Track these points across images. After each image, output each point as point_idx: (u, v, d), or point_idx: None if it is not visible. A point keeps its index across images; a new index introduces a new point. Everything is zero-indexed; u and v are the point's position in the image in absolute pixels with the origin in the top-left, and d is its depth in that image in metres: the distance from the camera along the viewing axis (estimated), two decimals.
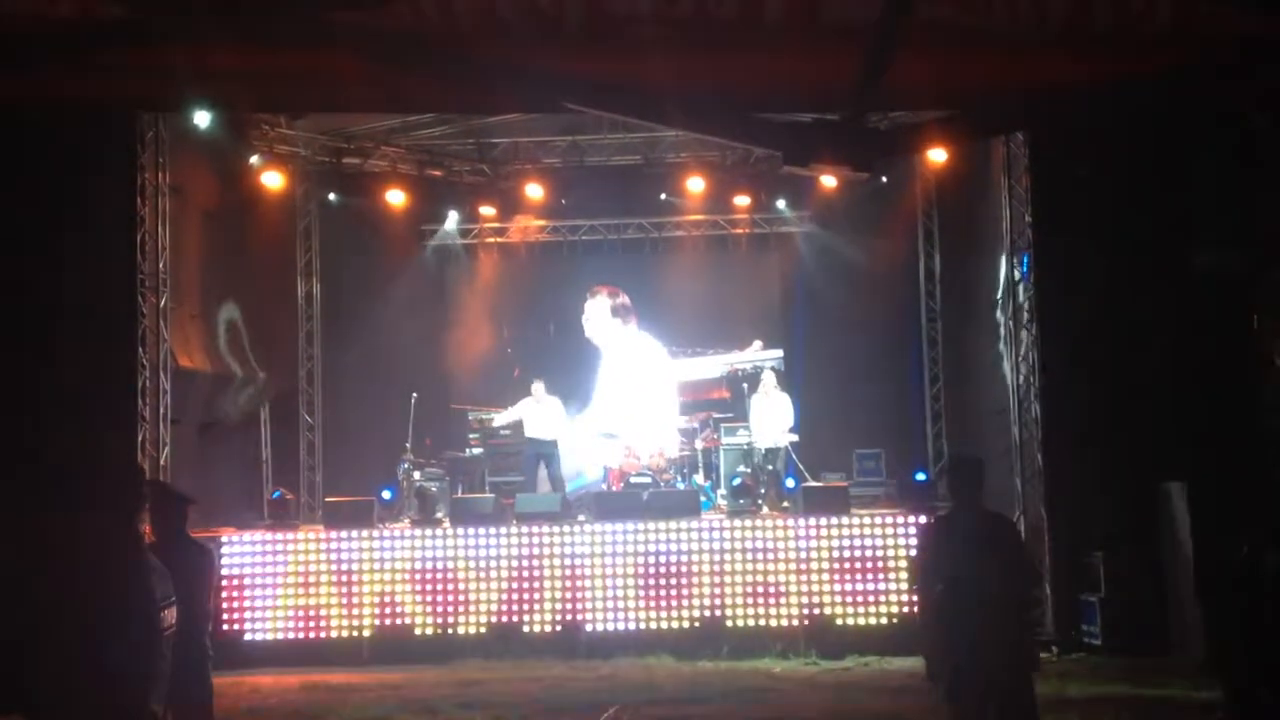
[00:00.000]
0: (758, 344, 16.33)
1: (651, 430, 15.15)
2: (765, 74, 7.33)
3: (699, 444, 14.83)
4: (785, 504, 13.22)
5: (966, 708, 6.06)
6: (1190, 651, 10.26)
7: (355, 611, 11.60)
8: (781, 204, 16.07)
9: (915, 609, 10.21)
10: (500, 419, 15.13)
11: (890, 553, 11.49)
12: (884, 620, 11.41)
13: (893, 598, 11.43)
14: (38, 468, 9.45)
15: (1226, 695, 4.28)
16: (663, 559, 11.59)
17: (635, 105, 7.52)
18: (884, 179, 14.63)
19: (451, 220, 16.61)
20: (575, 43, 7.18)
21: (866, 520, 11.67)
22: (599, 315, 15.74)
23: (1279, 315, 10.15)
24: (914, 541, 11.41)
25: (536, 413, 14.83)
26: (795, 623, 11.43)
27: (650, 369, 15.76)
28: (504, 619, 11.56)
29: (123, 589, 4.40)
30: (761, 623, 11.46)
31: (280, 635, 11.57)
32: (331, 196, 15.53)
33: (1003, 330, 12.73)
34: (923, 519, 11.49)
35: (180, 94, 9.09)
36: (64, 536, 4.37)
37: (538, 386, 14.85)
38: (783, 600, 11.48)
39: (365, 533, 11.79)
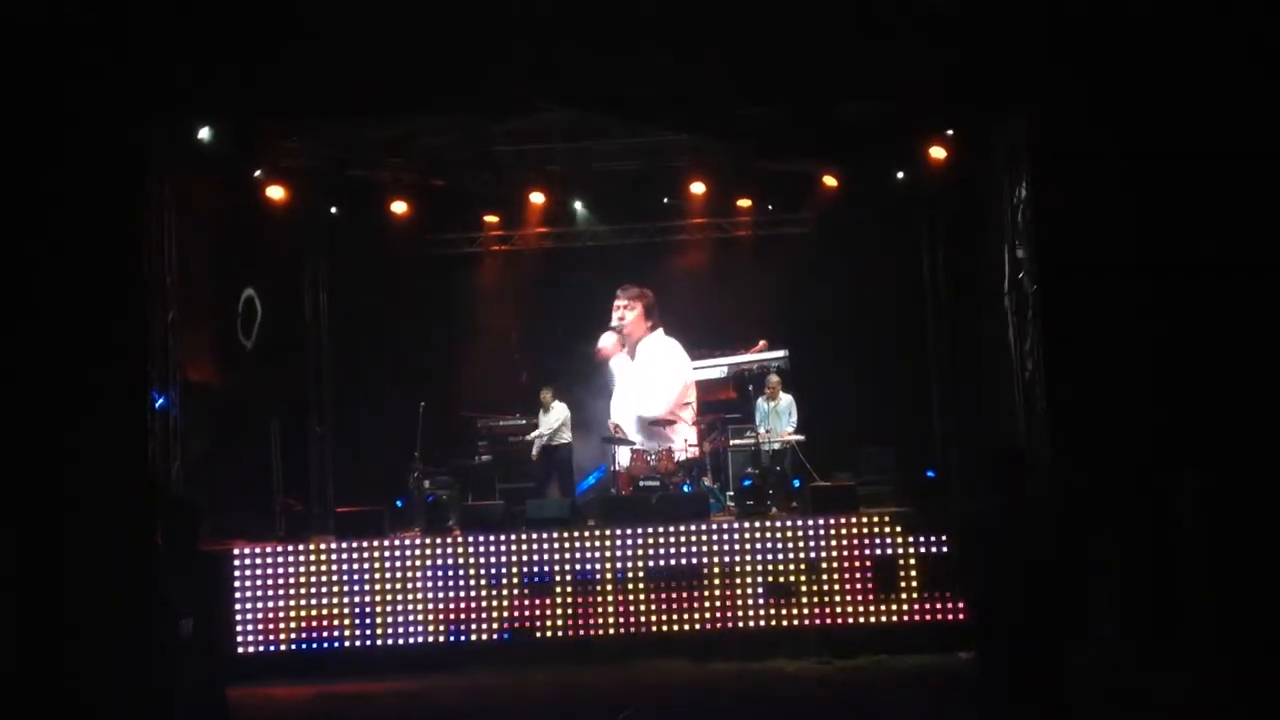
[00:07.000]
0: (762, 344, 16.29)
1: (663, 433, 15.15)
2: (738, 67, 7.29)
3: (707, 446, 14.82)
4: (794, 504, 13.21)
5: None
6: (1203, 639, 10.22)
7: (368, 621, 11.64)
8: (775, 205, 16.03)
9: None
10: (532, 435, 15.16)
11: (900, 550, 11.48)
12: (895, 618, 11.41)
13: (904, 595, 11.42)
14: (48, 485, 9.51)
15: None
16: (673, 562, 11.61)
17: (609, 102, 7.52)
18: (898, 175, 14.59)
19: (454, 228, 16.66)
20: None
21: (876, 518, 11.67)
22: (629, 314, 15.73)
23: None
24: (925, 539, 11.46)
25: (547, 420, 14.98)
26: (807, 622, 11.44)
27: (672, 371, 15.72)
28: (516, 625, 11.59)
29: (140, 601, 4.45)
30: (774, 623, 11.47)
31: (294, 646, 11.61)
32: (333, 210, 15.56)
33: (1010, 321, 12.68)
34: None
35: (156, 100, 9.02)
36: (79, 551, 4.43)
37: (545, 394, 14.97)
38: (794, 600, 11.49)
39: (376, 542, 11.83)
